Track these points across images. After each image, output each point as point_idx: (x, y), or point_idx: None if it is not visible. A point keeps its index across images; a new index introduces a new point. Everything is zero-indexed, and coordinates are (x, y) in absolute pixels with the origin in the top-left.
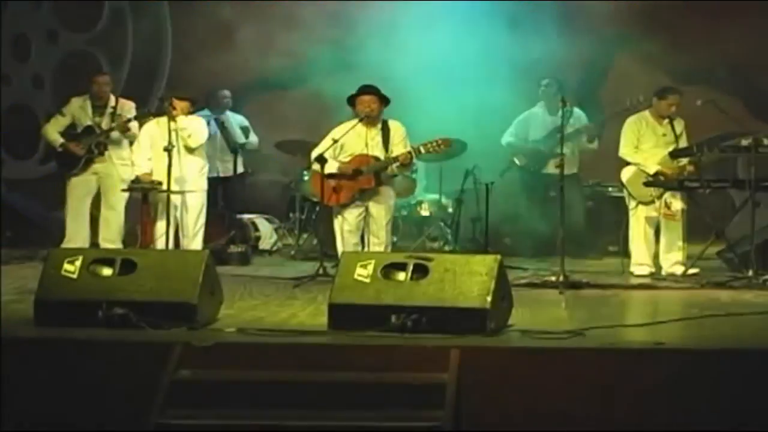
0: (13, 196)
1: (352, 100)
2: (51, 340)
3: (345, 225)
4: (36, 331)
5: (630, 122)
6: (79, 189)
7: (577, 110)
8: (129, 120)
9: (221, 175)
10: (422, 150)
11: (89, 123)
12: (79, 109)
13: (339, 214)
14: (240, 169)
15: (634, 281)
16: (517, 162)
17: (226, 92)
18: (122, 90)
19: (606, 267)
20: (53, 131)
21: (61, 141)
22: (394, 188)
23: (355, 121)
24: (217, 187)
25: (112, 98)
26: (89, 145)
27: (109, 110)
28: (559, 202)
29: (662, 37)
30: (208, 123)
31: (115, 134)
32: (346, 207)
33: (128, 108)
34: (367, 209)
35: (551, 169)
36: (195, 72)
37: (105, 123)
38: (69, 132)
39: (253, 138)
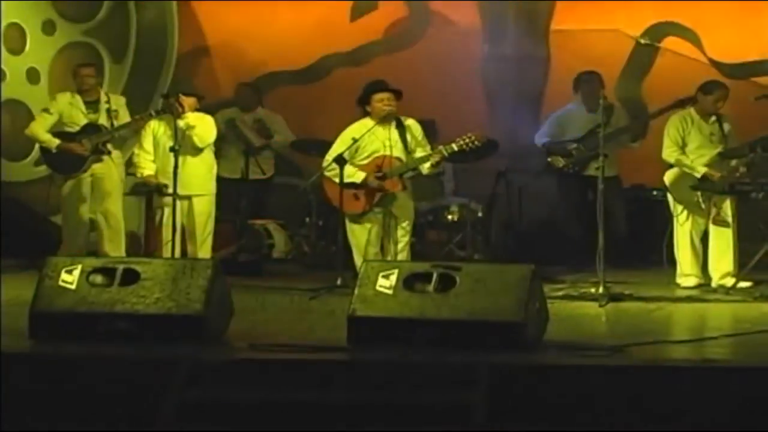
0: (5, 200)
1: (366, 99)
2: (47, 356)
3: (364, 234)
4: (31, 346)
5: (673, 121)
6: (76, 192)
7: (618, 107)
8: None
9: (253, 177)
10: (455, 147)
11: (83, 121)
12: (69, 106)
13: (356, 222)
14: (260, 173)
15: (681, 293)
16: (554, 164)
17: (252, 88)
18: (124, 85)
19: (650, 278)
20: (42, 131)
21: (57, 141)
22: (419, 192)
23: (371, 122)
24: (238, 190)
25: (103, 93)
26: (96, 144)
27: (104, 106)
28: (598, 207)
29: (709, 28)
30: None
31: (121, 132)
32: (365, 214)
33: (121, 103)
34: (387, 215)
35: (592, 171)
36: (203, 66)
37: (101, 120)
38: (65, 132)
39: (282, 137)
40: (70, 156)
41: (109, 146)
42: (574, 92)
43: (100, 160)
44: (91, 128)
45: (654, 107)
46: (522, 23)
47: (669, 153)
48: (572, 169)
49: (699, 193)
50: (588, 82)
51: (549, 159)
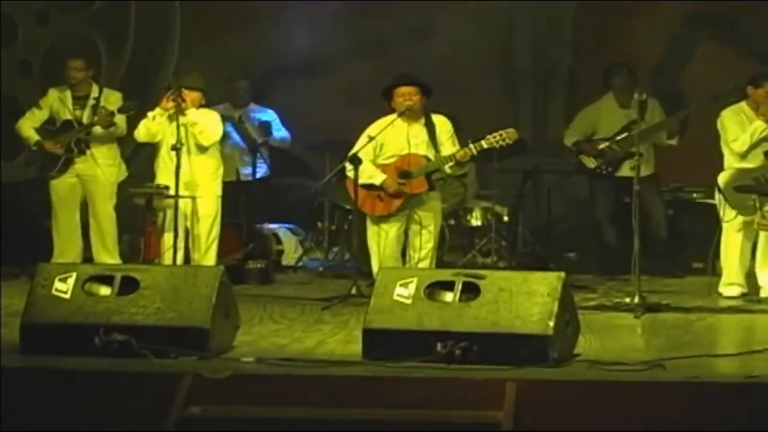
0: None
1: (388, 93)
2: (40, 371)
3: (384, 238)
4: (22, 360)
5: (728, 115)
6: (63, 194)
7: (653, 102)
8: (112, 113)
9: (243, 179)
10: (485, 145)
11: (68, 117)
12: (59, 102)
13: (377, 224)
14: (263, 172)
15: (724, 303)
16: (585, 164)
17: (245, 83)
18: (122, 78)
19: (689, 286)
20: (28, 127)
21: (35, 138)
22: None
23: (394, 116)
24: (237, 192)
25: (95, 88)
26: (68, 143)
27: (91, 102)
28: (633, 210)
29: (752, 17)
30: (225, 119)
31: (97, 130)
32: (388, 217)
33: (114, 99)
34: (410, 218)
35: (626, 171)
36: (207, 58)
37: (86, 116)
38: (46, 128)
39: (280, 134)
40: (48, 154)
41: (94, 145)
42: (603, 86)
43: (75, 160)
44: (67, 125)
45: (695, 101)
46: (550, 10)
47: (740, 144)
48: (605, 169)
49: (755, 196)
50: (618, 75)
51: (580, 159)
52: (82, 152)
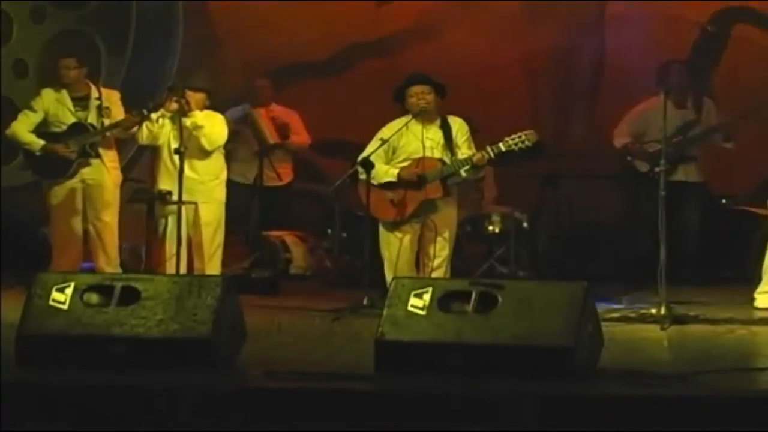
0: None
1: (400, 94)
2: (36, 384)
3: (398, 246)
4: (18, 373)
5: None
6: (63, 200)
7: (707, 102)
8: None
9: (268, 184)
10: (502, 147)
11: (70, 119)
12: (55, 103)
13: (390, 231)
14: (284, 178)
15: (755, 315)
16: (638, 167)
17: (265, 81)
18: (123, 78)
19: (719, 297)
20: (25, 131)
21: (42, 143)
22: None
23: (408, 117)
24: (251, 197)
25: (93, 88)
26: (83, 146)
27: (95, 103)
28: (660, 215)
29: None
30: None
31: (112, 132)
32: (401, 223)
33: (113, 98)
34: (424, 225)
35: (680, 175)
36: (211, 57)
37: (91, 118)
38: (49, 132)
39: (298, 138)
40: (56, 159)
41: (100, 149)
42: (655, 85)
43: (88, 164)
44: (78, 128)
45: (726, 104)
46: (572, 8)
47: None
48: (657, 174)
49: None
50: (677, 73)
51: (633, 163)
52: (97, 155)
